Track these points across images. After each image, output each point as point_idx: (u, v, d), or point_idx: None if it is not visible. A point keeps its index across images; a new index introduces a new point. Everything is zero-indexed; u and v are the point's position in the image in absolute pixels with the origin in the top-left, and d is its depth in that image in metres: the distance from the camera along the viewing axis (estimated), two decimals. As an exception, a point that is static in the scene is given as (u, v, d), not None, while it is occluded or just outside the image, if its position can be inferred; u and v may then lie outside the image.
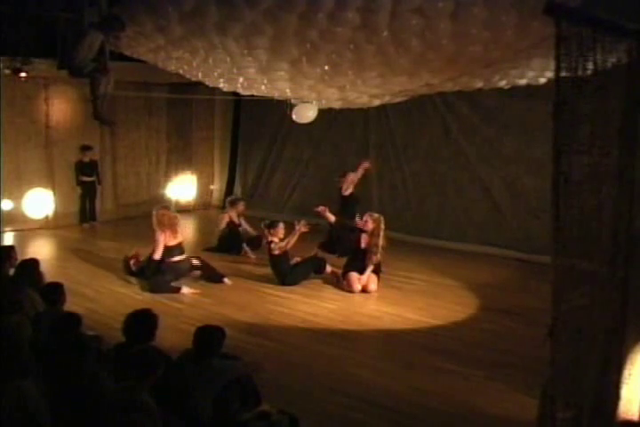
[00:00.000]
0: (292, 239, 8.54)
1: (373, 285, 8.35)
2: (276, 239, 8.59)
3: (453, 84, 7.10)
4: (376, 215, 8.53)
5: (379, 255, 8.41)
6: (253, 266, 9.36)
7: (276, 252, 8.51)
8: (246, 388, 4.48)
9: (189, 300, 7.97)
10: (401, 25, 5.27)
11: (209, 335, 4.44)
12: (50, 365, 4.14)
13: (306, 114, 8.57)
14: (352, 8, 5.13)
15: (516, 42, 5.45)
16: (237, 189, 14.16)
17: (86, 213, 12.14)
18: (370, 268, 8.37)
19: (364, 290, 8.32)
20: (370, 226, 8.42)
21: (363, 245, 8.45)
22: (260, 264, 9.20)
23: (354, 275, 8.32)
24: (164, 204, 9.05)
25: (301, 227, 8.55)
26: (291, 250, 8.70)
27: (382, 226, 8.41)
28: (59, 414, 3.71)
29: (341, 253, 9.08)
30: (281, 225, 8.65)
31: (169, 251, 8.33)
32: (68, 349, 3.98)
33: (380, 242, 8.39)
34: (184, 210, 13.67)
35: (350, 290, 8.28)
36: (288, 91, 7.52)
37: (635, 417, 3.72)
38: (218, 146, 14.48)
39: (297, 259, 8.76)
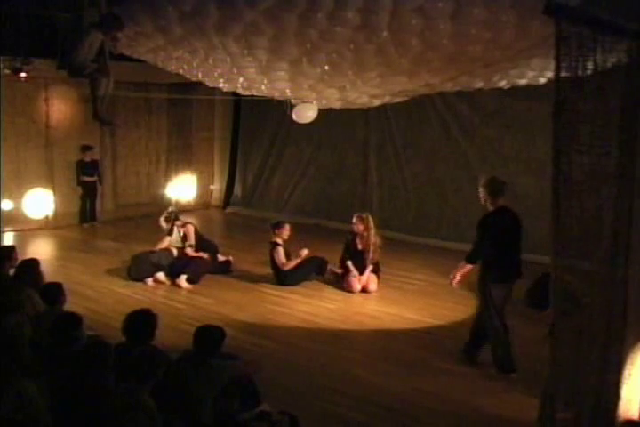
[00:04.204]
0: (293, 263, 8.55)
1: (373, 285, 8.35)
2: (279, 240, 8.59)
3: (453, 84, 7.09)
4: (364, 215, 8.50)
5: (376, 254, 8.40)
6: (254, 266, 9.35)
7: (276, 257, 8.53)
8: (246, 388, 4.48)
9: (189, 300, 7.97)
10: (401, 25, 5.27)
11: (209, 335, 4.44)
12: (50, 365, 4.14)
13: (306, 114, 8.57)
14: (352, 8, 5.12)
15: (516, 42, 5.44)
16: (237, 189, 14.16)
17: (86, 213, 12.13)
18: (369, 268, 8.37)
19: (364, 290, 8.32)
20: (360, 227, 8.42)
21: (359, 246, 8.45)
22: (260, 264, 9.19)
23: (354, 276, 8.32)
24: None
25: (303, 254, 8.58)
26: (292, 250, 8.72)
27: (371, 224, 8.40)
28: (59, 414, 3.71)
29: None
30: (286, 226, 8.65)
31: None
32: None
33: (373, 239, 8.38)
34: (184, 210, 13.70)
35: (350, 290, 8.28)
36: (288, 91, 7.51)
37: (635, 417, 3.72)
38: (218, 146, 14.48)
39: (298, 260, 8.73)
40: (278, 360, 6.02)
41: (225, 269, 9.11)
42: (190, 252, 8.86)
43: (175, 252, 8.80)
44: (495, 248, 5.76)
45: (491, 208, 5.86)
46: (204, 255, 8.95)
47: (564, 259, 3.43)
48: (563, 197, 3.31)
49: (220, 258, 9.26)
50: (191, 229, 9.10)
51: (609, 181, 3.43)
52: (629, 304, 3.56)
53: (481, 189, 5.91)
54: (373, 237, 8.39)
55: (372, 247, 8.37)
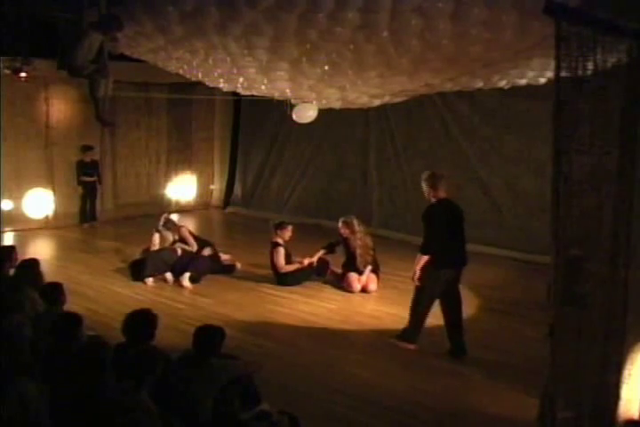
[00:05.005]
0: (291, 267, 8.56)
1: (373, 285, 8.35)
2: (280, 240, 8.59)
3: (453, 84, 7.10)
4: (348, 219, 8.52)
5: (367, 255, 8.41)
6: (254, 266, 9.35)
7: (275, 258, 8.53)
8: (246, 388, 4.48)
9: (189, 300, 7.97)
10: (401, 25, 5.27)
11: (209, 335, 4.43)
12: (50, 365, 4.13)
13: (306, 114, 8.57)
14: (352, 8, 5.12)
15: (516, 42, 5.44)
16: (237, 189, 14.16)
17: (86, 213, 12.13)
18: (368, 268, 8.36)
19: (364, 290, 8.31)
20: (345, 231, 8.45)
21: (351, 249, 8.48)
22: (260, 264, 9.19)
23: (353, 275, 8.32)
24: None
25: (305, 262, 8.61)
26: (293, 250, 8.72)
27: (357, 228, 8.41)
28: (59, 414, 3.71)
29: None
30: (289, 227, 8.65)
31: None
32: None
33: (359, 242, 8.41)
34: (184, 210, 13.72)
35: (350, 290, 8.28)
36: (288, 91, 7.51)
37: (635, 417, 3.72)
38: (218, 146, 14.47)
39: (297, 265, 8.70)
40: (278, 360, 6.01)
41: (229, 270, 9.13)
42: (206, 252, 8.98)
43: (179, 251, 8.80)
44: (438, 237, 6.16)
45: (433, 200, 6.24)
46: (208, 252, 9.02)
47: (565, 259, 3.43)
48: (563, 196, 3.31)
49: (224, 257, 9.31)
50: (185, 231, 9.18)
51: (609, 180, 3.43)
52: (629, 304, 3.57)
53: (423, 184, 6.29)
54: (360, 240, 8.41)
55: (359, 250, 8.39)
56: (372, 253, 8.46)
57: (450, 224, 6.24)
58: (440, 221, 6.18)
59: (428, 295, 6.32)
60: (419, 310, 6.41)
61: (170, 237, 9.04)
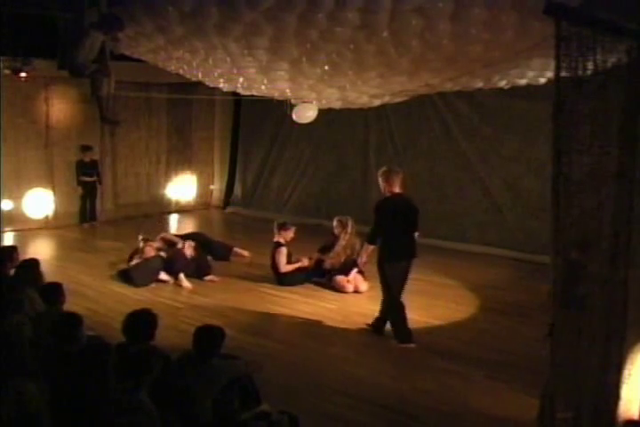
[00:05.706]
0: (291, 267, 8.58)
1: (363, 285, 8.30)
2: (282, 240, 8.60)
3: (453, 84, 7.09)
4: (344, 218, 8.58)
5: (349, 257, 8.43)
6: (254, 266, 9.35)
7: (276, 258, 8.53)
8: (246, 388, 4.48)
9: (189, 300, 7.97)
10: (401, 25, 5.27)
11: (209, 335, 4.43)
12: (50, 365, 4.14)
13: (306, 114, 8.56)
14: (352, 8, 5.12)
15: (517, 42, 5.44)
16: (237, 189, 14.16)
17: (86, 213, 12.13)
18: (354, 269, 8.30)
19: (356, 291, 8.30)
20: (339, 230, 8.51)
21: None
22: (259, 264, 9.19)
23: (341, 278, 8.34)
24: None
25: (305, 263, 8.67)
26: (292, 250, 8.72)
27: (348, 229, 8.47)
28: (59, 414, 3.71)
29: None
30: (292, 229, 8.68)
31: None
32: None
33: (343, 243, 8.47)
34: (184, 210, 13.72)
35: (342, 291, 8.27)
36: (288, 91, 7.51)
37: (635, 417, 3.72)
38: (218, 146, 14.47)
39: (297, 265, 8.71)
40: (278, 360, 6.02)
41: (224, 254, 9.20)
42: (188, 250, 8.98)
43: (164, 255, 8.79)
44: (387, 230, 6.44)
45: (387, 195, 6.52)
46: (191, 243, 9.04)
47: (564, 259, 3.44)
48: (563, 196, 3.32)
49: (240, 252, 9.62)
50: (164, 235, 9.47)
51: (609, 180, 3.43)
52: (629, 304, 3.57)
53: (379, 180, 6.58)
54: (344, 241, 8.48)
55: (338, 248, 8.46)
56: (354, 254, 8.45)
57: (400, 218, 6.47)
58: (388, 214, 6.42)
59: (394, 289, 6.52)
60: (394, 306, 6.57)
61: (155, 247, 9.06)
